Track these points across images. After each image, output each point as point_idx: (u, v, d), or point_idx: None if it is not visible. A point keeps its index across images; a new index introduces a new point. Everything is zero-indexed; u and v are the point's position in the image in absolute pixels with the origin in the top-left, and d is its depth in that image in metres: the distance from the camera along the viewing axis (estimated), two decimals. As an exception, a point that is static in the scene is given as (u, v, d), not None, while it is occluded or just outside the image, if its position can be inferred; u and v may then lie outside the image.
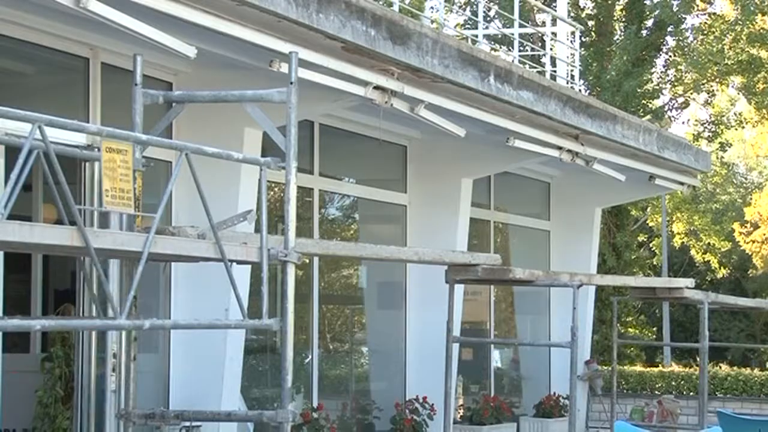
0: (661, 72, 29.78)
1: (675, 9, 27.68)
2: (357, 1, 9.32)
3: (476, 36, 17.76)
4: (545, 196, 17.49)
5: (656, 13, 27.95)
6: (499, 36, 25.58)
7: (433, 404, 13.19)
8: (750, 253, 32.94)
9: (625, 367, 22.39)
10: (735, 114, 33.50)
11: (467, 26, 27.57)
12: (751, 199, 35.36)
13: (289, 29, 8.73)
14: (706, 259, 33.56)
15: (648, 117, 25.57)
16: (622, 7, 28.72)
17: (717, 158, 30.71)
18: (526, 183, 16.82)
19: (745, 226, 32.97)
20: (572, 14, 25.93)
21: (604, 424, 17.34)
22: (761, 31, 27.63)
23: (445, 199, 13.88)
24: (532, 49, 20.03)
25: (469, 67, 10.99)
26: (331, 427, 11.94)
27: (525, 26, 20.21)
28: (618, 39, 28.15)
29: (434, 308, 12.56)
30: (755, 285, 33.59)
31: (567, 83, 16.60)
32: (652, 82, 28.22)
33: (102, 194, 5.93)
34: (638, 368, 22.68)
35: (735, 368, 22.05)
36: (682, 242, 33.68)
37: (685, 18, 28.72)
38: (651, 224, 32.99)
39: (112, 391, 7.11)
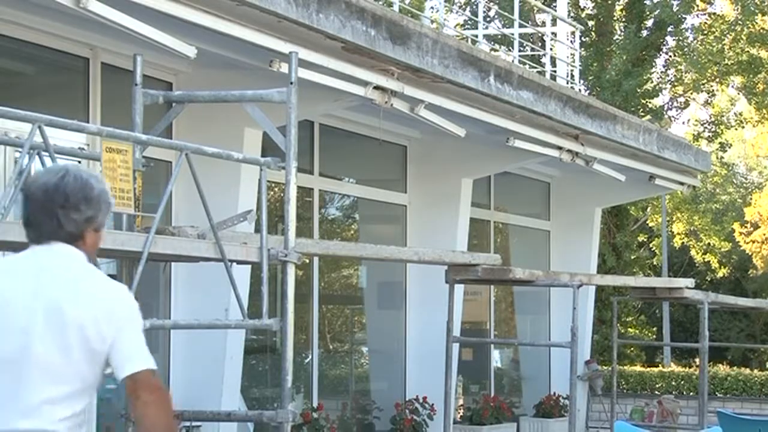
0: (661, 72, 29.78)
1: (675, 9, 27.67)
2: (357, 1, 9.32)
3: (476, 36, 17.76)
4: (545, 196, 17.49)
5: (656, 13, 27.94)
6: (499, 36, 25.58)
7: (433, 404, 13.19)
8: (750, 253, 32.91)
9: (625, 367, 22.38)
10: (735, 114, 33.48)
11: (467, 26, 27.57)
12: (751, 199, 35.34)
13: (289, 29, 8.73)
14: (706, 259, 33.53)
15: (648, 117, 25.57)
16: (622, 7, 28.72)
17: (717, 158, 30.70)
18: (526, 183, 16.82)
19: (745, 226, 32.94)
20: (572, 14, 25.93)
21: (604, 424, 17.34)
22: (761, 31, 27.62)
23: (445, 199, 13.88)
24: (532, 49, 20.03)
25: (469, 67, 10.99)
26: (331, 427, 11.94)
27: (525, 26, 20.21)
28: (618, 39, 28.15)
29: (434, 308, 12.57)
30: (755, 285, 33.55)
31: (567, 83, 16.60)
32: (652, 82, 28.21)
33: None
34: (638, 368, 22.67)
35: (735, 368, 22.04)
36: (682, 242, 33.65)
37: (685, 18, 28.70)
38: (651, 224, 32.97)
39: None
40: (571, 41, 18.07)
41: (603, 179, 15.26)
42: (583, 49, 25.44)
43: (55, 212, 3.46)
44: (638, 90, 26.30)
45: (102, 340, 3.41)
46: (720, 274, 33.53)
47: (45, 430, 3.35)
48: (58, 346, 3.38)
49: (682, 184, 17.17)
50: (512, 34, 18.27)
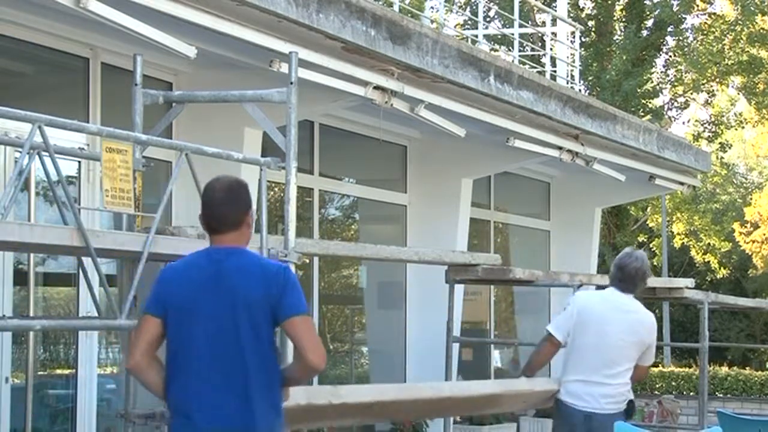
0: (661, 72, 29.78)
1: (675, 9, 27.68)
2: (357, 1, 9.33)
3: (476, 36, 17.77)
4: (545, 196, 17.48)
5: (656, 13, 27.96)
6: (499, 36, 25.58)
7: (433, 404, 13.17)
8: (750, 253, 32.90)
9: (625, 367, 22.31)
10: (735, 114, 33.49)
11: (467, 26, 27.58)
12: (751, 199, 35.34)
13: (289, 29, 8.73)
14: (706, 260, 33.51)
15: (648, 117, 25.57)
16: (622, 7, 28.73)
17: (717, 158, 30.69)
18: (526, 183, 16.82)
19: (745, 226, 32.93)
20: (572, 14, 25.93)
21: (604, 424, 17.30)
22: (761, 31, 27.63)
23: (445, 199, 13.87)
24: (532, 49, 20.04)
25: (469, 67, 10.99)
26: (331, 427, 11.93)
27: (525, 26, 20.21)
28: (618, 39, 28.15)
29: (434, 308, 12.55)
30: (755, 285, 33.54)
31: (567, 83, 16.60)
32: (652, 82, 28.21)
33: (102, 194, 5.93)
34: (638, 368, 22.61)
35: (735, 368, 22.03)
36: (682, 242, 33.63)
37: (685, 18, 28.72)
38: (651, 224, 32.96)
39: None
40: (571, 41, 18.07)
41: (603, 179, 15.25)
42: (583, 49, 25.45)
43: (636, 282, 6.67)
44: (638, 90, 26.30)
45: (643, 344, 6.77)
46: (720, 274, 33.51)
47: (622, 384, 6.73)
48: (630, 341, 6.64)
49: (682, 184, 17.16)
50: (512, 34, 18.27)
